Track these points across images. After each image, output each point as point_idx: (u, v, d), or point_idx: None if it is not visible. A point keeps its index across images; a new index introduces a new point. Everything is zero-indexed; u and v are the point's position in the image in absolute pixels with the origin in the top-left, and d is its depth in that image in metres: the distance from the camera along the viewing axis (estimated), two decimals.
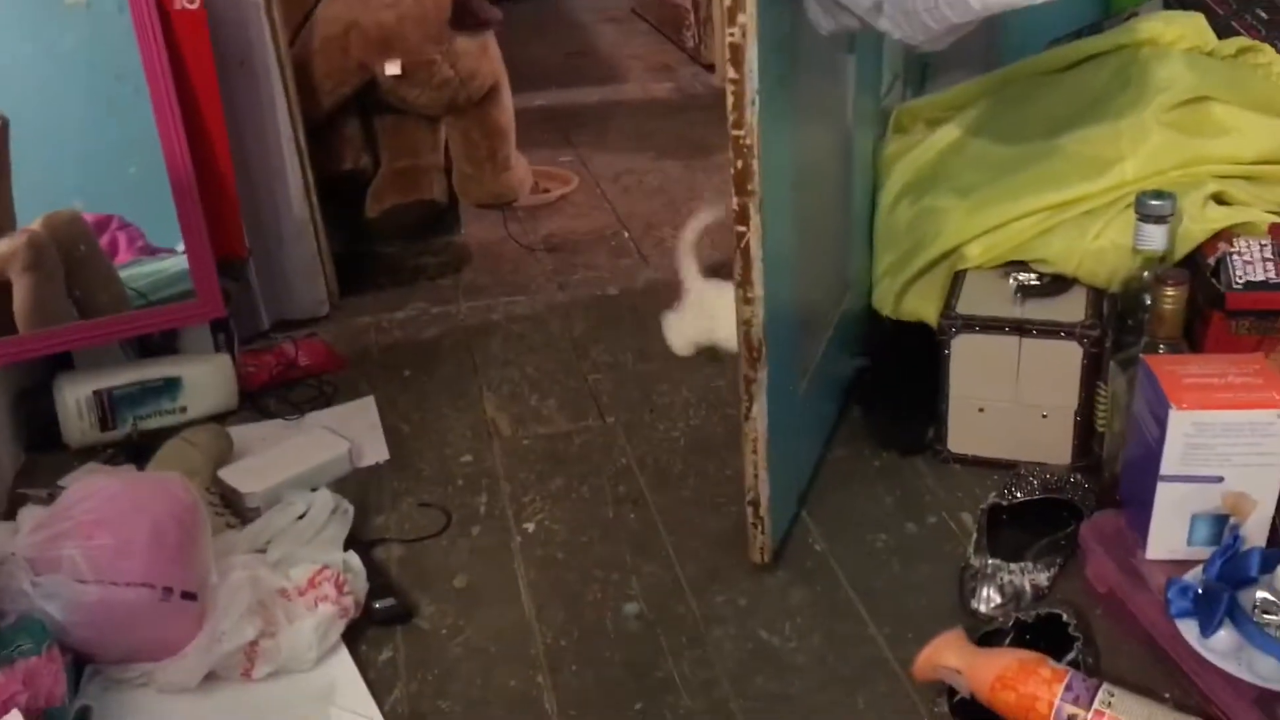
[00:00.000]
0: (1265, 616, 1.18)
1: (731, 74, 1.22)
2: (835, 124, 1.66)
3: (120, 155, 1.85)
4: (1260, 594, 1.18)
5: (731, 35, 1.20)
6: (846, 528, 1.57)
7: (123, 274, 1.87)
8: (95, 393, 1.81)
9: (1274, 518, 1.27)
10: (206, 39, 1.82)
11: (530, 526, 1.63)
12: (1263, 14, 2.02)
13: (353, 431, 1.83)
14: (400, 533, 1.63)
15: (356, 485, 1.72)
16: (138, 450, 1.79)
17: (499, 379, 2.02)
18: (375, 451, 1.81)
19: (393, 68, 2.20)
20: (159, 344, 1.94)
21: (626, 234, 2.59)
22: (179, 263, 1.88)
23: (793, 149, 1.39)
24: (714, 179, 2.86)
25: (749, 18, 1.18)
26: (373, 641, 1.43)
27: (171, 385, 1.87)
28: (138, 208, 1.88)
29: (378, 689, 1.35)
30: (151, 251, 1.90)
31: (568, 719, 1.30)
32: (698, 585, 1.49)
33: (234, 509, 1.64)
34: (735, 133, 1.24)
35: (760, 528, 1.47)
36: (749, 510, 1.46)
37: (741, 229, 1.29)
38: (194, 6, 1.78)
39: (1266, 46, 1.85)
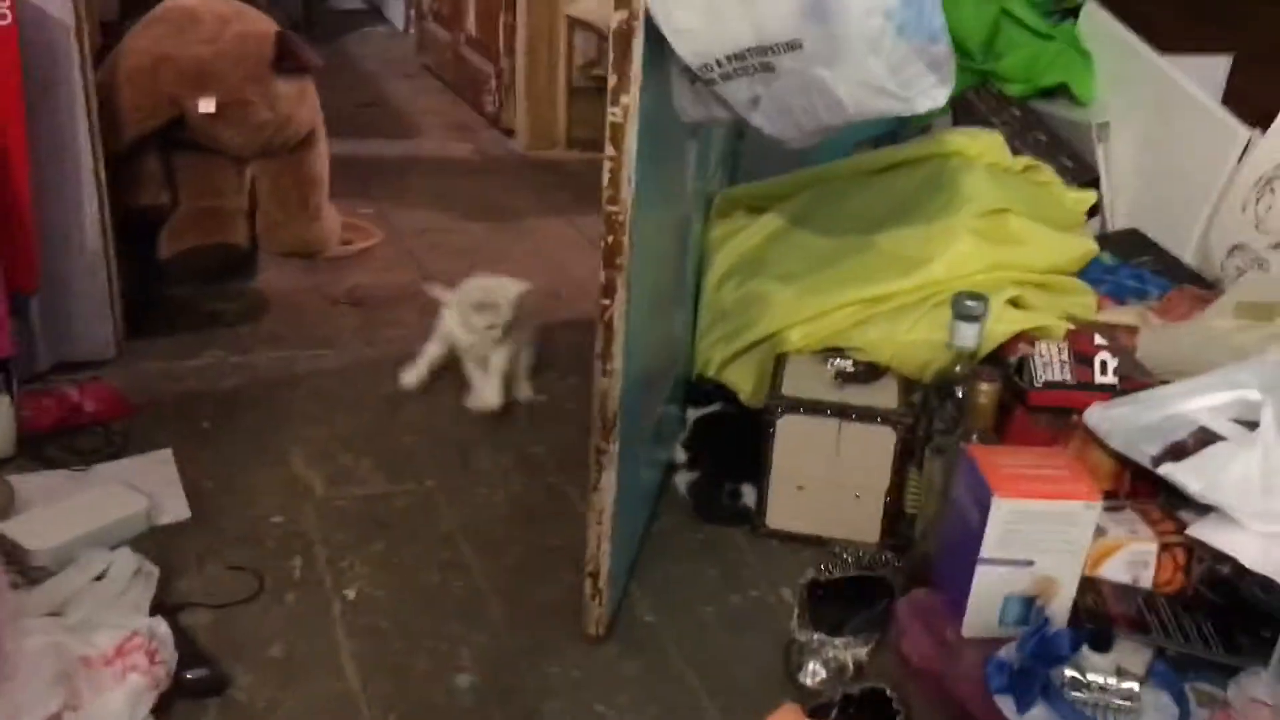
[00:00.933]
0: (1073, 693, 1.27)
1: (611, 151, 1.24)
2: (678, 204, 1.71)
3: None
4: (1070, 671, 1.28)
5: (613, 115, 1.23)
6: (674, 599, 1.60)
7: None
8: None
9: (1074, 600, 1.38)
10: (16, 57, 1.70)
11: (350, 593, 1.57)
12: (1041, 136, 2.24)
13: (149, 486, 1.72)
14: (208, 597, 1.53)
15: (156, 545, 1.61)
16: None
17: (308, 435, 1.94)
18: (175, 509, 1.70)
19: (207, 105, 2.11)
20: None
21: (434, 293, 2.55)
22: None
23: (650, 226, 1.43)
24: (523, 244, 2.87)
25: (631, 100, 1.22)
26: (185, 715, 1.34)
27: None
28: None
29: None
30: None
31: None
32: (530, 656, 1.47)
33: (19, 567, 1.50)
34: (610, 208, 1.26)
35: (599, 599, 1.47)
36: (588, 581, 1.46)
37: (606, 302, 1.31)
38: (5, 22, 1.65)
39: (1046, 166, 2.05)
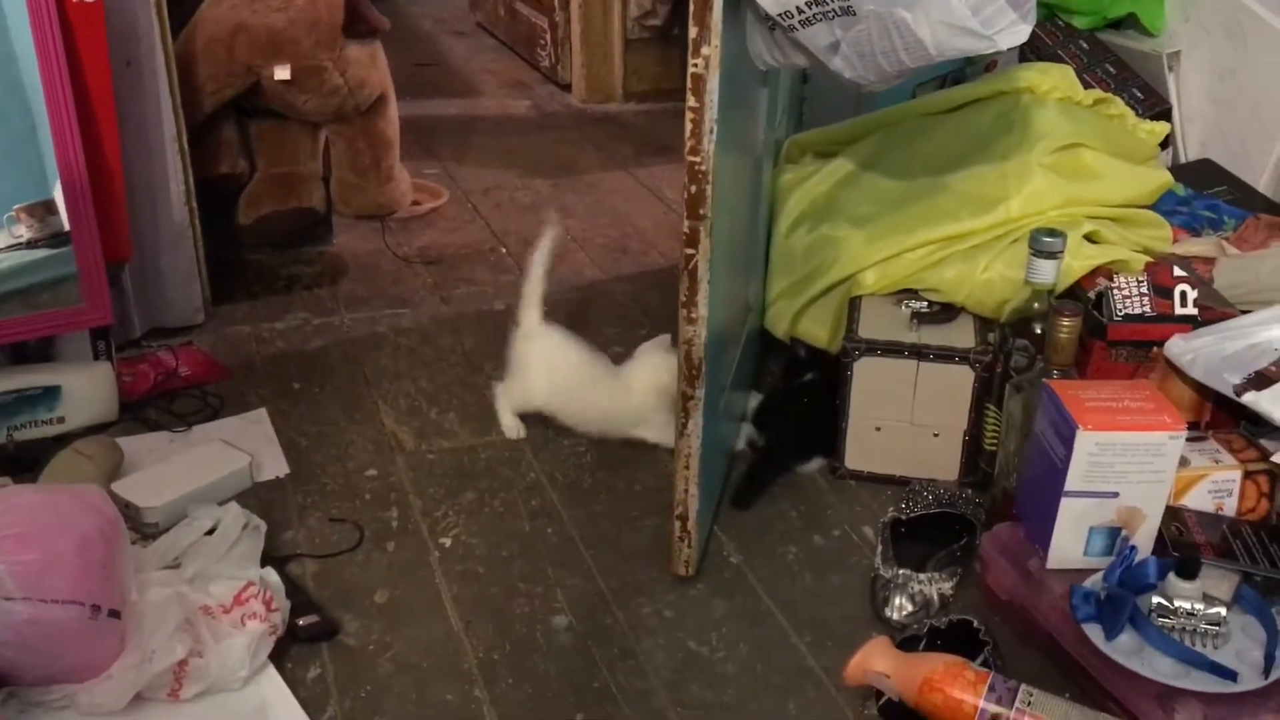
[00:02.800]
0: (1160, 620, 1.30)
1: (692, 102, 1.26)
2: (752, 152, 1.73)
3: None
4: (1156, 599, 1.30)
5: (694, 66, 1.25)
6: (757, 541, 1.64)
7: None
8: None
9: (1158, 529, 1.40)
10: (103, 33, 1.74)
11: (447, 541, 1.62)
12: (1110, 68, 2.22)
13: (247, 444, 1.78)
14: (312, 548, 1.60)
15: (259, 500, 1.68)
16: (15, 462, 1.69)
17: (394, 392, 2.00)
18: (274, 465, 1.77)
19: (282, 72, 2.14)
20: (33, 351, 1.84)
21: (504, 249, 2.60)
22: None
23: (728, 175, 1.45)
24: (585, 199, 2.90)
25: (713, 50, 1.24)
26: (298, 659, 1.40)
27: (50, 394, 1.77)
28: None
29: (310, 707, 1.33)
30: None
31: None
32: (622, 598, 1.52)
33: (131, 524, 1.57)
34: (692, 159, 1.29)
35: (687, 541, 1.51)
36: (677, 524, 1.50)
37: (691, 251, 1.33)
38: None
39: (1117, 99, 2.03)
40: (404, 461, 1.80)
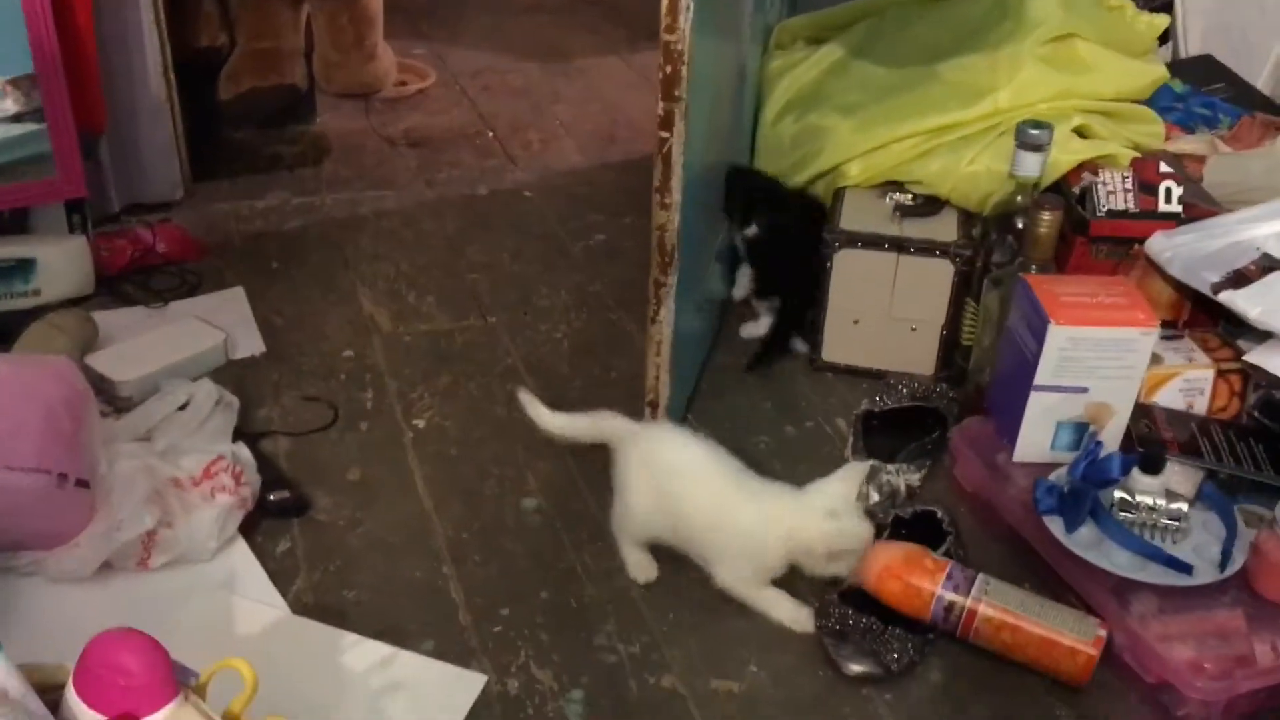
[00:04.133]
0: (1121, 514, 1.31)
1: None
2: (735, 35, 1.69)
3: None
4: (1119, 494, 1.31)
5: None
6: (730, 430, 1.64)
7: None
8: None
9: (1127, 426, 1.41)
10: None
11: (420, 423, 1.63)
12: None
13: (224, 322, 1.78)
14: (286, 426, 1.60)
15: (234, 377, 1.68)
16: None
17: (373, 274, 1.99)
18: (250, 343, 1.77)
19: None
20: (7, 223, 1.82)
21: (491, 133, 2.56)
22: None
23: (708, 57, 1.42)
24: (574, 84, 2.84)
25: None
26: (269, 534, 1.41)
27: (25, 266, 1.76)
28: None
29: (279, 579, 1.34)
30: None
31: (475, 607, 1.33)
32: (594, 482, 1.53)
33: (105, 397, 1.57)
34: (667, 37, 1.25)
35: None
36: (647, 410, 1.51)
37: (665, 134, 1.31)
38: None
39: None
40: (380, 343, 1.80)
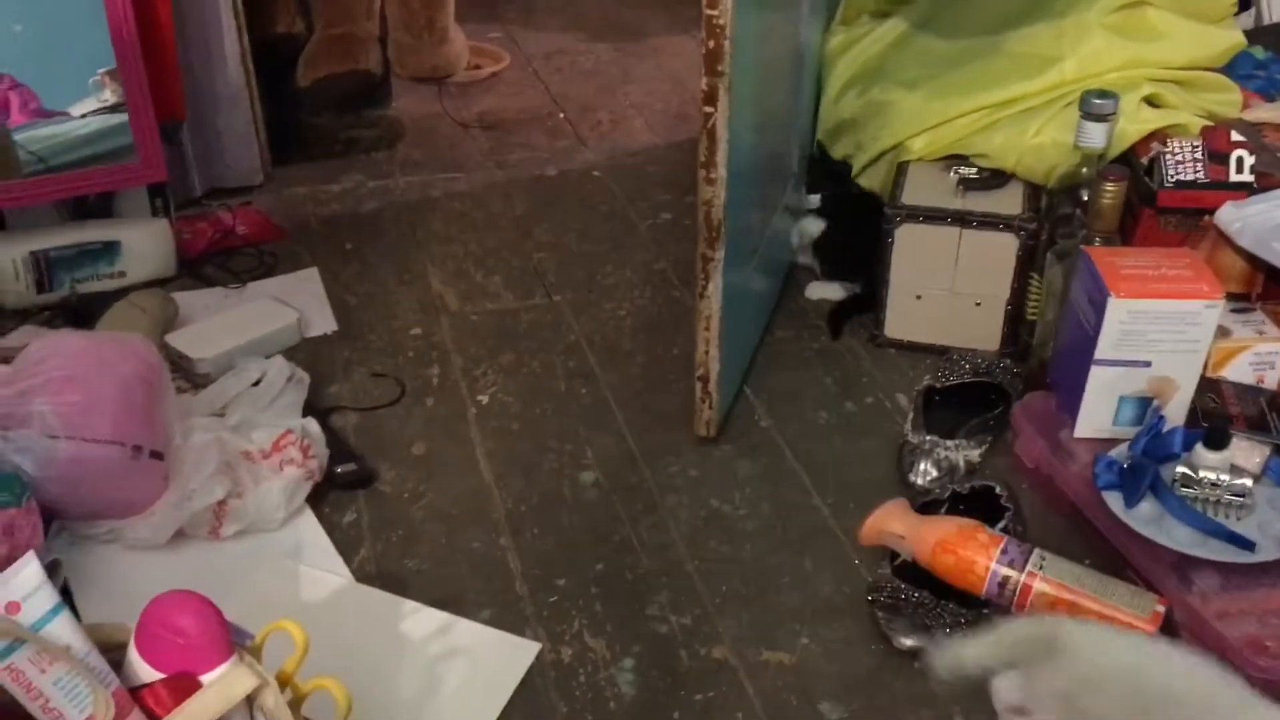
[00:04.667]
0: (1183, 490, 1.28)
1: None
2: (789, 11, 1.68)
3: (3, 13, 1.73)
4: (1180, 469, 1.29)
5: None
6: (789, 406, 1.64)
7: (16, 137, 1.78)
8: (32, 254, 1.77)
9: (1192, 401, 1.38)
10: None
11: (484, 399, 1.66)
12: None
13: (298, 302, 1.83)
14: (355, 401, 1.65)
15: (306, 355, 1.73)
16: (75, 313, 1.76)
17: (443, 255, 2.03)
18: (323, 322, 1.82)
19: None
20: (94, 207, 1.90)
21: (562, 115, 2.59)
22: (78, 126, 1.80)
23: (757, 33, 1.42)
24: (646, 64, 2.86)
25: None
26: (335, 505, 1.46)
27: (110, 249, 1.83)
28: (28, 68, 1.77)
29: (344, 549, 1.39)
30: (46, 114, 1.81)
31: (532, 577, 1.36)
32: (650, 457, 1.55)
33: (184, 374, 1.64)
34: (709, 12, 1.26)
35: (708, 403, 1.52)
36: (698, 385, 1.52)
37: (709, 110, 1.31)
38: None
39: None
40: (448, 322, 1.84)
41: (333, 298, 1.88)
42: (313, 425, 1.51)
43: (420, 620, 1.28)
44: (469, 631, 1.27)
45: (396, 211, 2.17)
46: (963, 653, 1.03)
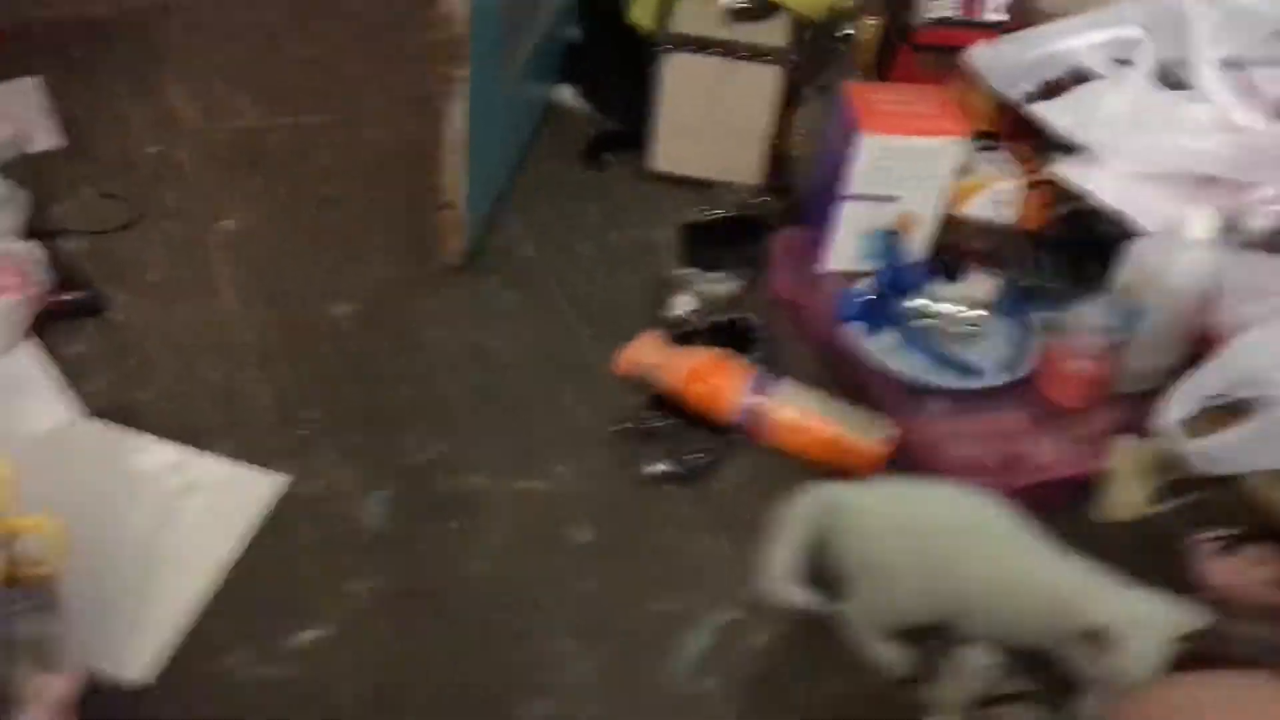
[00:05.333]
0: (922, 321, 1.34)
1: None
2: None
3: None
4: (919, 301, 1.34)
5: None
6: (554, 237, 1.62)
7: None
8: None
9: (934, 236, 1.43)
10: None
11: (229, 224, 1.56)
12: None
13: (18, 113, 1.66)
14: (84, 224, 1.52)
15: (28, 172, 1.57)
16: None
17: (183, 67, 1.87)
18: (46, 137, 1.66)
19: None
20: None
21: None
22: None
23: None
24: None
25: None
26: (62, 335, 1.36)
27: None
28: None
29: (71, 381, 1.30)
30: None
31: (280, 410, 1.31)
32: (408, 288, 1.50)
33: None
34: None
35: (456, 231, 1.48)
36: (445, 213, 1.47)
37: None
38: None
39: None
40: (188, 139, 1.71)
41: (58, 110, 1.71)
42: (34, 250, 1.39)
43: (154, 454, 1.22)
44: (209, 465, 1.22)
45: (131, 18, 1.97)
46: (770, 565, 1.06)
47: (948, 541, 1.03)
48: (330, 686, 1.07)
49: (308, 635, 1.10)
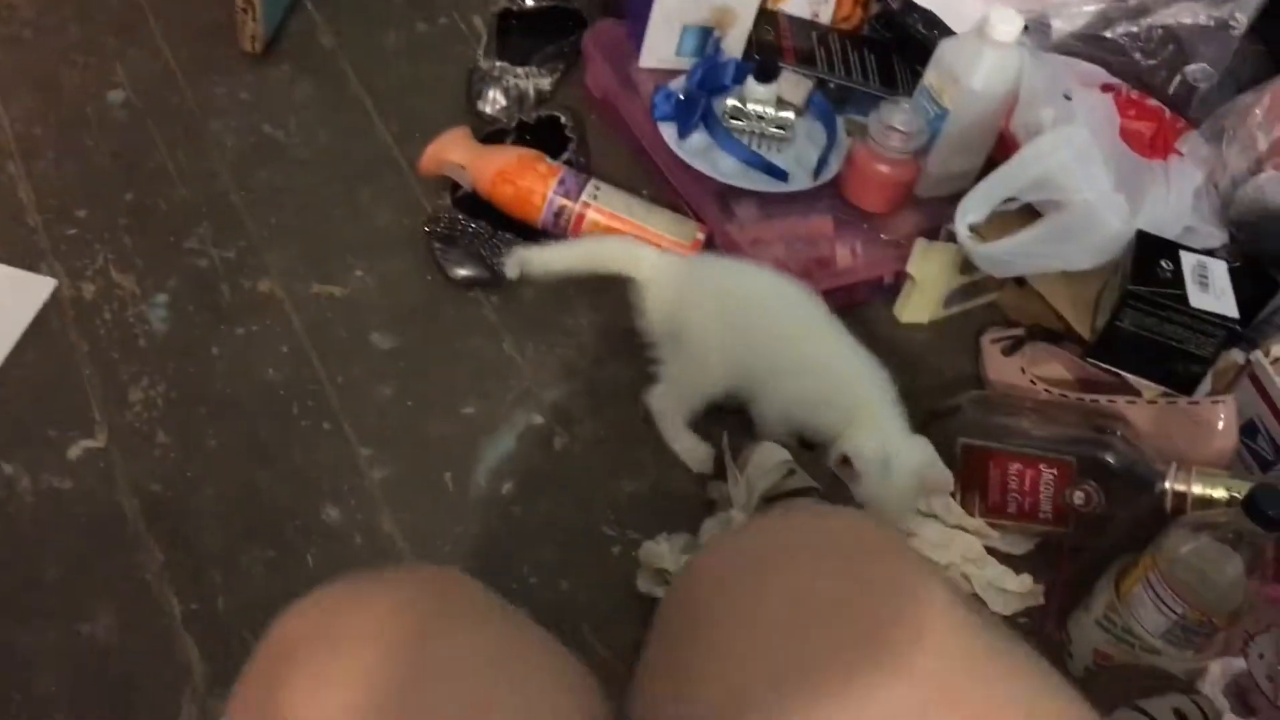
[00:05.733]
0: (733, 122, 1.31)
1: None
2: None
3: None
4: (731, 101, 1.31)
5: None
6: (356, 23, 1.51)
7: None
8: None
9: (750, 34, 1.39)
10: None
11: None
12: None
13: None
14: None
15: None
16: None
17: None
18: None
19: None
20: None
21: None
22: None
23: None
24: None
25: None
26: None
27: None
28: None
29: None
30: None
31: (46, 207, 1.21)
32: (192, 75, 1.39)
33: None
34: None
35: (251, 13, 1.36)
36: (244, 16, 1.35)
37: None
38: None
39: None
40: None
41: None
42: None
43: None
44: None
45: None
46: (532, 255, 1.16)
47: (752, 314, 1.11)
48: (110, 497, 1.03)
49: (86, 444, 1.05)
